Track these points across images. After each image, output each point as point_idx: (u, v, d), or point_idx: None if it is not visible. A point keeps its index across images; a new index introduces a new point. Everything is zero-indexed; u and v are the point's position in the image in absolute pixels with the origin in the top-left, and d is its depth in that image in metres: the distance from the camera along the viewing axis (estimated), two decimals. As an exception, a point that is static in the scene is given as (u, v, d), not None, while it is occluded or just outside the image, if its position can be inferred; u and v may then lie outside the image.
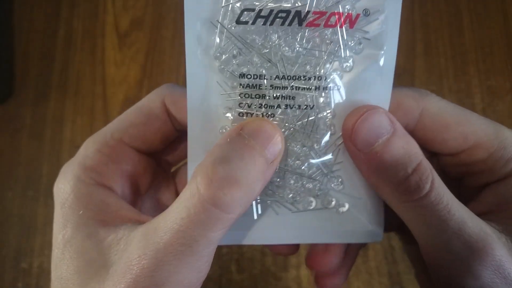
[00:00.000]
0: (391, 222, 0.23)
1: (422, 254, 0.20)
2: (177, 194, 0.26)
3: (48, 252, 0.48)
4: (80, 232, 0.19)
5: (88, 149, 0.21)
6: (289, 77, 0.20)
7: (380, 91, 0.20)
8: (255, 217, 0.21)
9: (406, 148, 0.19)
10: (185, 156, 0.24)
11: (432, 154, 0.24)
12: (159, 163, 0.26)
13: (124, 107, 0.52)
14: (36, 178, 0.51)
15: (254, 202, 0.22)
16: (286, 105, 0.20)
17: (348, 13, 0.19)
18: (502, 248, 0.18)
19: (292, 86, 0.20)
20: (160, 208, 0.25)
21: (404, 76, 0.51)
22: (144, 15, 0.55)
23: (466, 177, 0.23)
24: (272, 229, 0.21)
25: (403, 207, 0.19)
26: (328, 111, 0.21)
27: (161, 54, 0.54)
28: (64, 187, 0.20)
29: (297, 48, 0.20)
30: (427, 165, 0.19)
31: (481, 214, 0.20)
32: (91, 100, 0.53)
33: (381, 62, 0.20)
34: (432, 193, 0.18)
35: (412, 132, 0.21)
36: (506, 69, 0.51)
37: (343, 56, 0.20)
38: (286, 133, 0.20)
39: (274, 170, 0.19)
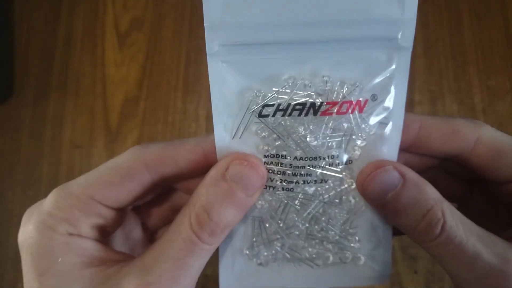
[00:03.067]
0: None
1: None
2: (142, 226, 0.28)
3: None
4: (64, 277, 0.20)
5: (59, 201, 0.22)
6: (306, 158, 0.22)
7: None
8: (276, 270, 0.24)
9: (416, 197, 0.20)
10: (162, 212, 0.28)
11: (483, 182, 0.25)
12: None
13: (124, 107, 0.52)
14: (36, 178, 0.51)
15: (277, 262, 0.24)
16: (304, 181, 0.23)
17: (358, 100, 0.22)
18: None
19: (310, 165, 0.22)
20: (129, 241, 0.27)
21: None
22: (144, 15, 0.55)
23: None
24: (292, 279, 0.24)
25: (422, 245, 0.21)
26: (348, 185, 0.23)
27: (161, 54, 0.54)
28: (34, 237, 0.21)
29: (321, 136, 0.22)
30: (438, 210, 0.20)
31: None
32: (91, 100, 0.53)
33: (388, 137, 0.23)
34: (443, 234, 0.20)
35: (467, 159, 0.23)
36: (506, 69, 0.51)
37: (356, 135, 0.22)
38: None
39: (254, 201, 0.22)
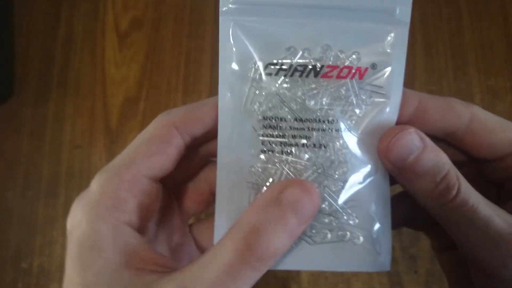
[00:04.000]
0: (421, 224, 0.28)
1: (460, 251, 0.23)
2: (179, 212, 0.28)
3: (48, 252, 0.48)
4: (106, 277, 0.19)
5: (105, 185, 0.21)
6: (305, 120, 0.23)
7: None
8: None
9: (435, 160, 0.21)
10: (188, 172, 0.27)
11: (473, 161, 0.25)
12: (164, 184, 0.26)
13: (124, 107, 0.52)
14: (36, 178, 0.51)
15: None
16: (303, 144, 0.23)
17: (358, 67, 0.23)
18: None
19: (308, 127, 0.23)
20: (166, 227, 0.26)
21: (404, 76, 0.51)
22: (144, 15, 0.55)
23: (507, 182, 0.25)
24: (289, 258, 0.24)
25: (436, 210, 0.22)
26: (343, 151, 0.23)
27: (161, 54, 0.54)
28: (82, 227, 0.20)
29: (321, 101, 0.23)
30: (453, 173, 0.21)
31: None
32: (91, 100, 0.53)
33: (387, 109, 0.23)
34: (459, 196, 0.21)
35: (462, 137, 0.24)
36: (506, 69, 0.51)
37: (355, 103, 0.23)
38: (311, 176, 0.23)
39: (301, 230, 0.21)
